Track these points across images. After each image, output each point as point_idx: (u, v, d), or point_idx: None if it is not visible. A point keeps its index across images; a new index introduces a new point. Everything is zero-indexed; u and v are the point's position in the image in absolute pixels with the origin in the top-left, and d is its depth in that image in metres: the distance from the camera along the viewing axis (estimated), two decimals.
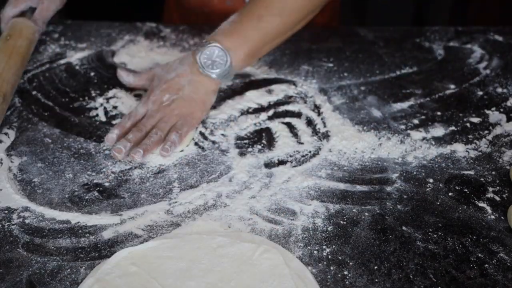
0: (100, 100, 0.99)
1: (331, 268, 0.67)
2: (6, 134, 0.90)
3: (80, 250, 0.70)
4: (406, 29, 1.22)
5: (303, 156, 0.85)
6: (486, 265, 0.67)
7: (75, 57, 1.10)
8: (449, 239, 0.71)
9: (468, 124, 0.92)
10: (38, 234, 0.72)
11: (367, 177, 0.81)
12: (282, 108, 0.96)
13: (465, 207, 0.76)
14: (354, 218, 0.74)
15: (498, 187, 0.79)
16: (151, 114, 0.87)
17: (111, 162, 0.84)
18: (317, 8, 0.98)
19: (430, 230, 0.72)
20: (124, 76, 0.96)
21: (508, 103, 0.97)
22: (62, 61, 1.09)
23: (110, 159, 0.85)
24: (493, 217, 0.74)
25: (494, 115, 0.94)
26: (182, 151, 0.86)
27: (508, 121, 0.92)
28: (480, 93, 1.00)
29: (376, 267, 0.67)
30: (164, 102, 0.88)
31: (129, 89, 1.00)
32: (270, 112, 0.95)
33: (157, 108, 0.87)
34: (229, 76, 0.92)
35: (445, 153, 0.86)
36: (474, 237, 0.71)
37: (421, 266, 0.67)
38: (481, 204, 0.76)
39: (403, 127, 0.91)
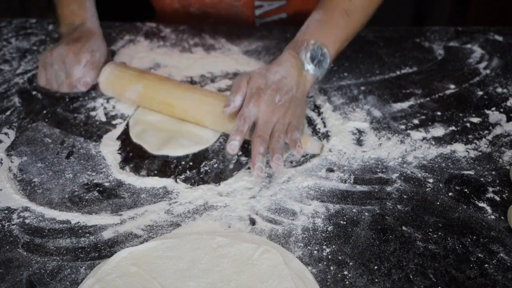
0: (100, 100, 0.99)
1: (331, 268, 0.67)
2: (6, 134, 0.90)
3: (80, 250, 0.70)
4: (406, 29, 1.22)
5: (303, 156, 0.85)
6: (486, 265, 0.67)
7: None
8: (449, 239, 0.71)
9: (468, 124, 0.92)
10: (38, 234, 0.72)
11: (367, 177, 0.81)
12: None
13: (465, 207, 0.76)
14: (354, 218, 0.74)
15: (498, 187, 0.79)
16: (268, 118, 0.82)
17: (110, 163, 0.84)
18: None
19: (430, 230, 0.72)
20: (235, 107, 0.86)
21: (508, 103, 0.97)
22: None
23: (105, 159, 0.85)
24: (493, 217, 0.74)
25: (494, 115, 0.94)
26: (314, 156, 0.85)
27: (508, 121, 0.92)
28: (480, 93, 1.00)
29: (376, 267, 0.67)
30: (277, 104, 0.83)
31: None
32: None
33: (271, 109, 0.83)
34: (322, 77, 0.93)
35: (445, 153, 0.86)
36: (474, 237, 0.71)
37: (421, 266, 0.67)
38: (481, 204, 0.76)
39: (403, 127, 0.91)
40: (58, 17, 1.07)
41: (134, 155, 0.86)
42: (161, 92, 0.91)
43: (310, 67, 0.89)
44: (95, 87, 1.00)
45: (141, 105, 0.95)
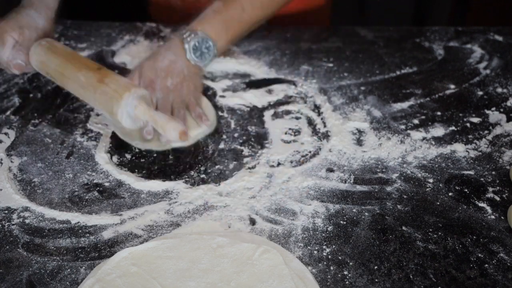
0: None
1: (331, 268, 0.67)
2: (6, 134, 0.90)
3: (80, 250, 0.70)
4: (406, 29, 1.22)
5: (303, 156, 0.85)
6: (486, 265, 0.67)
7: None
8: (449, 239, 0.71)
9: (468, 124, 0.92)
10: (38, 234, 0.72)
11: (367, 177, 0.81)
12: (282, 108, 0.96)
13: (465, 207, 0.76)
14: (354, 218, 0.74)
15: (498, 187, 0.79)
16: (164, 101, 0.88)
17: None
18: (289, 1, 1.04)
19: (430, 230, 0.72)
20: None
21: (508, 103, 0.97)
22: None
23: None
24: (493, 217, 0.74)
25: (494, 115, 0.94)
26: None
27: (508, 121, 0.92)
28: (480, 93, 1.00)
29: (376, 267, 0.67)
30: (169, 87, 0.89)
31: None
32: (270, 112, 0.95)
33: (166, 93, 0.89)
34: (209, 65, 0.97)
35: (445, 153, 0.86)
36: (474, 237, 0.71)
37: (421, 266, 0.67)
38: (481, 204, 0.76)
39: (403, 127, 0.91)
40: None
41: (134, 156, 0.86)
42: (57, 63, 0.85)
43: (191, 57, 0.92)
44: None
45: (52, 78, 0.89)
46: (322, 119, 0.94)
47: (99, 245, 0.70)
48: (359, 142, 0.88)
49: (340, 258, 0.68)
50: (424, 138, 0.88)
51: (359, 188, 0.79)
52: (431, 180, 0.80)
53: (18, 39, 0.86)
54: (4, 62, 0.88)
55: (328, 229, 0.72)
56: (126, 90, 0.80)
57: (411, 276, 0.66)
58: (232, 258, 0.67)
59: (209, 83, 1.03)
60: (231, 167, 0.84)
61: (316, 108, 0.96)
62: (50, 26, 0.92)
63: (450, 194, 0.78)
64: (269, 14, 1.02)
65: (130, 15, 1.42)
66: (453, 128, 0.91)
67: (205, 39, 0.92)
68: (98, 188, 0.80)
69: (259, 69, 1.06)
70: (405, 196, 0.77)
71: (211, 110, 0.94)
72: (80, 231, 0.73)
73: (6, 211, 0.76)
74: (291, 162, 0.84)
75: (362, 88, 1.01)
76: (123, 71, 1.06)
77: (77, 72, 0.84)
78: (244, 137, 0.90)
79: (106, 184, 0.81)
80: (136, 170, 0.83)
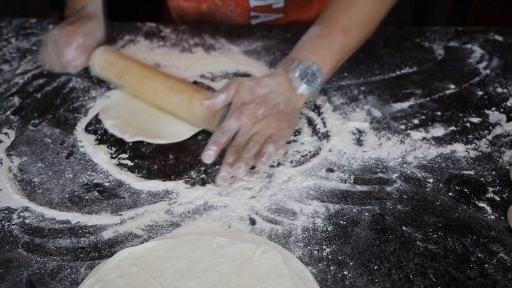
0: (100, 100, 0.99)
1: (331, 268, 0.67)
2: (6, 134, 0.90)
3: (80, 250, 0.70)
4: (406, 29, 1.22)
5: (303, 156, 0.85)
6: (486, 265, 0.67)
7: None
8: (449, 239, 0.71)
9: (468, 124, 0.92)
10: (38, 234, 0.72)
11: (367, 177, 0.81)
12: None
13: (465, 207, 0.76)
14: (354, 218, 0.74)
15: (498, 187, 0.79)
16: (246, 130, 0.82)
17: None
18: (385, 14, 0.98)
19: (430, 230, 0.72)
20: (215, 103, 0.86)
21: (508, 103, 0.97)
22: None
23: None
24: (493, 217, 0.74)
25: (494, 115, 0.94)
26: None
27: (508, 121, 0.92)
28: (480, 93, 1.00)
29: (376, 267, 0.67)
30: (259, 117, 0.83)
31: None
32: None
33: (252, 122, 0.83)
34: (317, 93, 0.92)
35: (445, 153, 0.86)
36: (474, 237, 0.71)
37: (421, 266, 0.67)
38: (481, 204, 0.76)
39: (403, 127, 0.91)
40: (65, 2, 1.10)
41: (134, 156, 0.86)
42: (137, 71, 0.94)
43: (299, 85, 0.87)
44: (89, 76, 1.03)
45: (121, 85, 0.97)
46: (322, 119, 0.94)
47: (99, 245, 0.70)
48: (359, 142, 0.88)
49: (340, 258, 0.68)
50: (424, 138, 0.88)
51: (359, 188, 0.79)
52: (431, 180, 0.80)
53: (81, 43, 0.99)
54: (65, 60, 1.00)
55: (328, 229, 0.72)
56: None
57: (411, 276, 0.66)
58: (232, 258, 0.67)
59: (209, 83, 1.03)
60: None
61: (316, 108, 0.96)
62: (104, 37, 1.05)
63: (450, 194, 0.78)
64: (369, 32, 0.97)
65: (130, 15, 1.42)
66: (453, 128, 0.91)
67: (310, 66, 0.87)
68: (98, 188, 0.80)
69: (259, 69, 1.06)
70: (405, 196, 0.77)
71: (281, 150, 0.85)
72: (80, 231, 0.73)
73: (6, 211, 0.76)
74: (291, 162, 0.84)
75: (362, 88, 1.01)
76: None
77: (161, 94, 0.91)
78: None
79: (106, 184, 0.81)
80: (136, 170, 0.83)
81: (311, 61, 0.88)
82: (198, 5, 1.24)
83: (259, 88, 0.86)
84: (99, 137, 0.90)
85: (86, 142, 0.89)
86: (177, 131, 0.90)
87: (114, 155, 0.86)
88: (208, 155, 0.80)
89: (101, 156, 0.86)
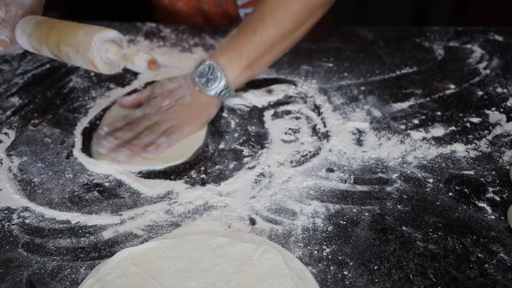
0: (100, 100, 0.99)
1: (331, 268, 0.67)
2: (6, 134, 0.90)
3: (80, 250, 0.70)
4: (406, 29, 1.22)
5: (303, 156, 0.85)
6: (486, 265, 0.67)
7: None
8: (449, 239, 0.71)
9: (468, 124, 0.92)
10: (38, 234, 0.72)
11: (367, 177, 0.81)
12: (282, 108, 0.96)
13: (465, 207, 0.76)
14: (354, 218, 0.74)
15: (498, 187, 0.79)
16: (147, 116, 0.87)
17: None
18: (314, 15, 0.95)
19: (430, 230, 0.72)
20: (127, 101, 0.94)
21: (508, 103, 0.97)
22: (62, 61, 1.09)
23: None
24: (493, 217, 0.74)
25: (494, 115, 0.94)
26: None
27: (508, 121, 0.92)
28: (480, 93, 1.00)
29: (376, 267, 0.67)
30: (162, 107, 0.88)
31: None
32: (270, 112, 0.95)
33: (155, 112, 0.88)
34: (229, 93, 0.92)
35: (445, 153, 0.86)
36: (474, 237, 0.71)
37: (421, 266, 0.67)
38: (481, 204, 0.76)
39: (403, 127, 0.91)
40: None
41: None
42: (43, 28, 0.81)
43: (199, 85, 0.91)
44: (89, 76, 1.02)
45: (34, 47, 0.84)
46: (322, 119, 0.94)
47: (99, 245, 0.70)
48: (359, 142, 0.88)
49: (340, 258, 0.68)
50: (424, 138, 0.88)
51: (359, 188, 0.79)
52: (431, 180, 0.80)
53: (3, 16, 0.85)
54: None
55: (328, 229, 0.72)
56: (94, 33, 0.75)
57: (411, 276, 0.66)
58: (232, 258, 0.67)
59: None
60: (231, 167, 0.84)
61: (316, 108, 0.96)
62: (38, 4, 0.89)
63: (450, 194, 0.78)
64: (288, 31, 0.94)
65: (130, 15, 1.42)
66: (453, 128, 0.91)
67: (212, 66, 0.90)
68: (98, 188, 0.80)
69: None
70: (405, 196, 0.77)
71: (195, 142, 0.88)
72: (80, 231, 0.73)
73: (6, 211, 0.76)
74: (291, 162, 0.84)
75: (362, 88, 1.01)
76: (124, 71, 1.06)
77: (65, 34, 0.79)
78: (244, 137, 0.90)
79: (106, 184, 0.81)
80: (136, 170, 0.83)
81: (215, 62, 0.90)
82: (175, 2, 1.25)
83: (170, 84, 0.91)
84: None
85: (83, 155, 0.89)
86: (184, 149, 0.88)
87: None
88: (99, 135, 0.85)
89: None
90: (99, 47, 0.75)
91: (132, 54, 0.75)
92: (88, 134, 0.91)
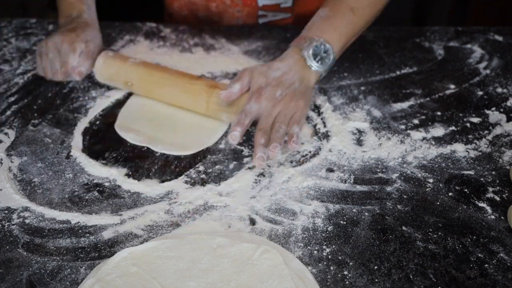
0: (100, 100, 0.99)
1: (331, 268, 0.67)
2: (6, 134, 0.90)
3: (80, 250, 0.70)
4: (406, 29, 1.22)
5: (303, 156, 0.85)
6: (486, 265, 0.67)
7: None
8: (449, 239, 0.71)
9: (468, 124, 0.92)
10: (38, 234, 0.72)
11: (367, 177, 0.81)
12: None
13: (465, 207, 0.76)
14: (354, 218, 0.74)
15: (498, 187, 0.79)
16: (269, 112, 0.86)
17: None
18: None
19: (430, 230, 0.72)
20: (231, 93, 0.89)
21: (508, 103, 0.97)
22: None
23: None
24: (493, 217, 0.74)
25: (494, 115, 0.94)
26: (303, 143, 0.88)
27: (508, 121, 0.92)
28: (480, 93, 1.00)
29: (376, 267, 0.67)
30: (277, 98, 0.87)
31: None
32: None
33: (272, 104, 0.86)
34: (328, 70, 0.94)
35: (445, 153, 0.86)
36: (474, 237, 0.71)
37: (421, 266, 0.67)
38: (481, 204, 0.76)
39: (403, 127, 0.91)
40: (58, 10, 1.10)
41: (134, 156, 0.86)
42: (148, 78, 0.95)
43: (312, 63, 0.90)
44: (89, 76, 1.03)
45: (133, 91, 0.99)
46: (322, 119, 0.94)
47: (99, 245, 0.70)
48: (359, 142, 0.88)
49: (340, 258, 0.68)
50: (424, 138, 0.88)
51: (359, 188, 0.79)
52: (431, 180, 0.80)
53: (84, 50, 1.00)
54: (70, 68, 1.00)
55: (328, 229, 0.72)
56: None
57: (411, 276, 0.66)
58: (232, 258, 0.67)
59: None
60: (231, 167, 0.84)
61: (316, 108, 0.96)
62: (102, 43, 1.06)
63: (450, 194, 0.78)
64: (377, 12, 1.00)
65: (130, 15, 1.42)
66: (453, 128, 0.91)
67: (322, 43, 0.90)
68: (98, 188, 0.80)
69: None
70: (405, 196, 0.77)
71: (307, 130, 0.91)
72: (80, 231, 0.73)
73: (6, 211, 0.76)
74: (291, 162, 0.84)
75: (362, 88, 1.01)
76: None
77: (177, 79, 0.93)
78: (244, 137, 0.90)
79: (106, 184, 0.81)
80: (136, 170, 0.83)
81: (323, 39, 0.91)
82: (207, 3, 1.25)
83: (272, 72, 0.88)
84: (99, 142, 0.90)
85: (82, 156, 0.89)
86: (198, 139, 0.90)
87: (114, 155, 0.86)
88: (234, 136, 0.83)
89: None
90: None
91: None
92: (89, 134, 0.91)
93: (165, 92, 0.94)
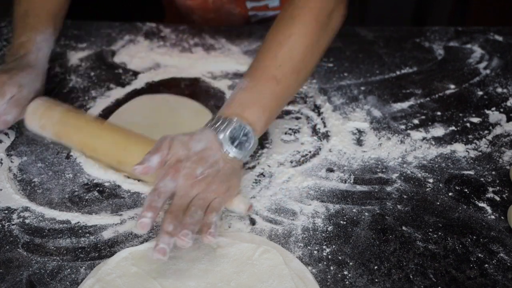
0: (100, 100, 0.99)
1: (331, 268, 0.67)
2: (6, 134, 0.90)
3: (80, 250, 0.70)
4: (406, 29, 1.22)
5: (303, 156, 0.85)
6: (486, 265, 0.67)
7: (75, 57, 1.11)
8: (449, 239, 0.71)
9: (468, 124, 0.92)
10: (38, 234, 0.72)
11: (367, 177, 0.81)
12: None
13: (465, 207, 0.76)
14: (354, 218, 0.74)
15: (498, 187, 0.79)
16: (185, 192, 0.71)
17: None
18: (319, 59, 0.87)
19: (430, 230, 0.72)
20: (149, 168, 0.73)
21: (508, 103, 0.97)
22: (62, 61, 1.09)
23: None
24: (493, 217, 0.74)
25: (494, 115, 0.94)
26: (230, 226, 0.76)
27: (508, 121, 0.92)
28: (480, 93, 1.00)
29: (376, 267, 0.67)
30: (198, 176, 0.72)
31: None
32: None
33: (190, 183, 0.71)
34: (249, 155, 0.79)
35: (445, 153, 0.86)
36: (474, 237, 0.71)
37: (421, 266, 0.67)
38: (481, 204, 0.76)
39: (403, 127, 0.91)
40: (7, 47, 0.99)
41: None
42: (75, 133, 0.84)
43: (229, 149, 0.75)
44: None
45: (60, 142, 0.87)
46: (322, 119, 0.94)
47: (99, 245, 0.70)
48: (359, 142, 0.88)
49: (340, 258, 0.68)
50: (424, 138, 0.88)
51: (359, 188, 0.79)
52: (431, 180, 0.80)
53: (15, 95, 0.86)
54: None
55: (328, 229, 0.72)
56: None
57: (411, 276, 0.66)
58: (232, 258, 0.67)
59: (211, 81, 1.03)
60: None
61: (316, 108, 0.96)
62: (42, 88, 0.92)
63: (450, 194, 0.78)
64: (302, 81, 0.87)
65: (130, 15, 1.42)
66: (453, 128, 0.91)
67: (242, 126, 0.76)
68: (98, 188, 0.80)
69: None
70: (405, 196, 0.77)
71: (243, 206, 0.75)
72: (80, 231, 0.73)
73: (6, 211, 0.76)
74: (291, 162, 0.84)
75: (362, 88, 1.01)
76: (124, 71, 1.06)
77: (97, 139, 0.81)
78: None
79: (106, 184, 0.81)
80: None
81: (242, 120, 0.76)
82: (204, 1, 1.24)
83: (194, 143, 0.74)
84: None
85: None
86: None
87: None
88: (144, 224, 0.66)
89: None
90: None
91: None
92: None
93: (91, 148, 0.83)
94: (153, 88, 1.02)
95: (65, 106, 0.87)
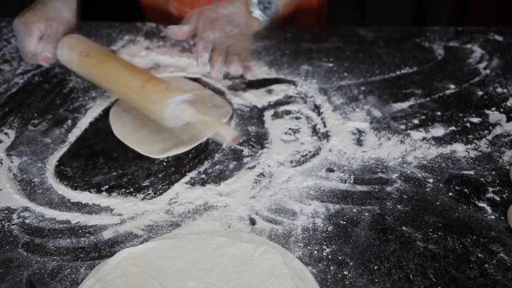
0: (100, 100, 0.99)
1: (331, 268, 0.67)
2: (6, 134, 0.90)
3: (80, 250, 0.70)
4: (406, 29, 1.22)
5: (303, 156, 0.85)
6: (486, 265, 0.67)
7: None
8: (449, 239, 0.71)
9: (468, 124, 0.92)
10: (38, 234, 0.72)
11: (367, 177, 0.81)
12: (282, 108, 0.96)
13: (465, 207, 0.76)
14: (354, 218, 0.74)
15: (498, 187, 0.79)
16: (223, 41, 0.93)
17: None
18: None
19: (430, 230, 0.72)
20: (181, 30, 0.98)
21: (508, 103, 0.97)
22: None
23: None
24: (493, 217, 0.74)
25: (494, 115, 0.94)
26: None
27: (508, 121, 0.92)
28: (480, 93, 1.00)
29: (376, 267, 0.67)
30: (228, 33, 0.93)
31: None
32: (270, 112, 0.95)
33: (225, 36, 0.93)
34: (269, 22, 1.02)
35: (445, 153, 0.86)
36: (474, 237, 0.71)
37: (421, 266, 0.67)
38: (481, 204, 0.76)
39: (403, 127, 0.91)
40: None
41: (134, 156, 0.86)
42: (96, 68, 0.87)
43: (255, 10, 0.97)
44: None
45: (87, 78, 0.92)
46: (322, 119, 0.94)
47: (99, 245, 0.70)
48: (359, 142, 0.88)
49: (340, 258, 0.68)
50: (424, 138, 0.88)
51: (359, 188, 0.79)
52: (431, 180, 0.80)
53: (45, 31, 0.86)
54: (30, 53, 0.87)
55: (328, 229, 0.72)
56: (174, 93, 0.79)
57: (411, 276, 0.66)
58: (232, 258, 0.67)
59: (210, 81, 1.03)
60: (231, 167, 0.84)
61: (316, 108, 0.96)
62: (75, 18, 0.92)
63: (450, 194, 0.78)
64: None
65: (130, 15, 1.42)
66: (453, 128, 0.91)
67: None
68: (98, 188, 0.80)
69: (259, 69, 1.06)
70: (405, 196, 0.77)
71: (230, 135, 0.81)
72: (80, 231, 0.73)
73: (6, 211, 0.76)
74: (291, 162, 0.84)
75: (362, 88, 1.01)
76: None
77: (120, 72, 0.85)
78: (244, 137, 0.90)
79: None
80: (137, 170, 0.83)
81: None
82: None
83: (221, 9, 0.95)
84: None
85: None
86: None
87: (114, 155, 0.86)
88: (204, 60, 0.90)
89: (102, 156, 0.86)
90: (174, 107, 0.79)
91: (212, 121, 0.80)
92: (89, 134, 0.91)
93: (108, 68, 0.86)
94: None
95: (92, 42, 0.92)
